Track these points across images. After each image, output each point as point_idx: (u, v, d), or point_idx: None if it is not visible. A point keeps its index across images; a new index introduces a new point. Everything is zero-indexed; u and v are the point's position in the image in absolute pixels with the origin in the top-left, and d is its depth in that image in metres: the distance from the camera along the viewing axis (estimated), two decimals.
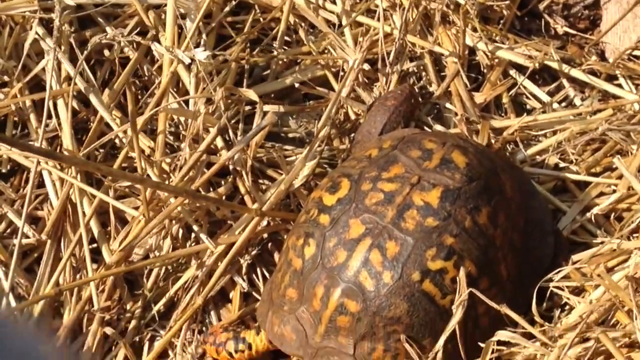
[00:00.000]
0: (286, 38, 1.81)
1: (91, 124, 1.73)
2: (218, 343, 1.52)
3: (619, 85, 1.77)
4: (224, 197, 1.68)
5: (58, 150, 1.72)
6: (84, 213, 1.64)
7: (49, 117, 1.68)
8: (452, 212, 1.40)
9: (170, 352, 1.60)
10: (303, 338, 1.43)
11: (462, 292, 1.35)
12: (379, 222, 1.39)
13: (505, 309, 1.32)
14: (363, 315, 1.38)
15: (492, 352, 1.33)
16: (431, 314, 1.38)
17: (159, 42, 1.72)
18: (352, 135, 1.75)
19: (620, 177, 1.65)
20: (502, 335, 1.29)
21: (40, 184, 1.70)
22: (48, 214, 1.69)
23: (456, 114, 1.74)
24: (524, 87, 1.78)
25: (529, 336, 1.36)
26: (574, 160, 1.68)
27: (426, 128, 1.74)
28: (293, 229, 1.50)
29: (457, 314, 1.35)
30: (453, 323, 1.35)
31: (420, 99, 1.73)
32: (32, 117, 1.73)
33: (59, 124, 1.71)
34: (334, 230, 1.41)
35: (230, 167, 1.66)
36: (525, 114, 1.75)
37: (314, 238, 1.43)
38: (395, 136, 1.57)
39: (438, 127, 1.73)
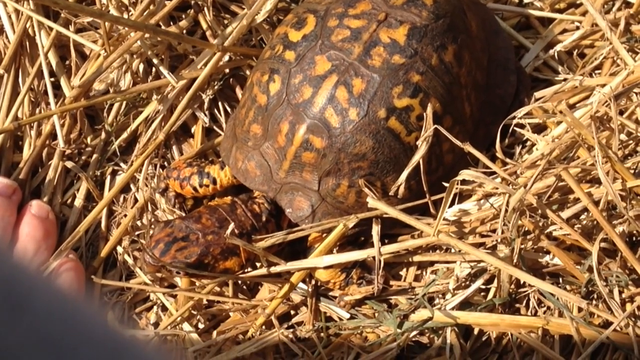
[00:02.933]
0: None
1: None
2: (182, 177, 1.52)
3: None
4: (185, 32, 1.65)
5: None
6: (42, 46, 1.60)
7: None
8: (418, 49, 1.39)
9: (132, 186, 1.60)
10: (267, 173, 1.44)
11: (427, 129, 1.35)
12: (345, 58, 1.38)
13: (468, 147, 1.33)
14: (328, 151, 1.38)
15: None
16: (396, 150, 1.39)
17: None
18: None
19: (584, 13, 1.65)
20: (466, 174, 1.31)
21: None
22: (4, 47, 1.66)
23: None
24: None
25: (491, 173, 1.38)
26: None
27: None
28: (257, 65, 1.49)
29: (422, 149, 1.36)
30: (417, 158, 1.36)
31: None
32: None
33: None
34: (299, 66, 1.40)
35: (192, 1, 1.63)
36: None
37: (279, 74, 1.42)
38: None
39: None
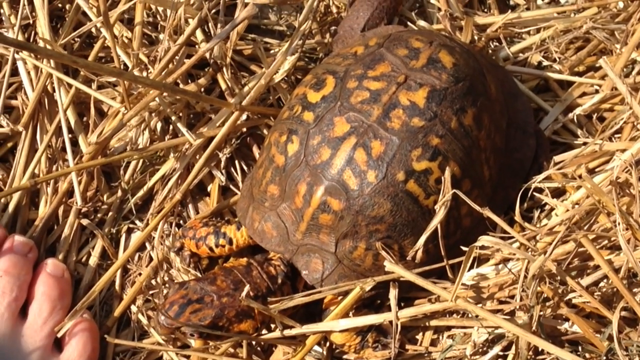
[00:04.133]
0: None
1: (67, 11, 1.68)
2: (198, 237, 1.51)
3: None
4: (203, 90, 1.65)
5: (33, 39, 1.68)
6: (61, 102, 1.61)
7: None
8: (438, 112, 1.38)
9: (147, 244, 1.59)
10: (284, 234, 1.43)
11: (446, 193, 1.34)
12: (364, 120, 1.37)
13: (487, 212, 1.32)
14: (346, 213, 1.37)
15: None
16: (414, 214, 1.38)
17: None
18: (334, 29, 1.73)
19: (603, 77, 1.64)
20: (485, 240, 1.30)
21: (13, 72, 1.67)
22: (22, 103, 1.66)
23: (440, 10, 1.72)
24: None
25: (509, 237, 1.37)
26: (557, 59, 1.67)
27: (410, 24, 1.71)
28: (275, 125, 1.48)
29: (440, 213, 1.34)
30: (435, 222, 1.35)
31: None
32: (5, 4, 1.68)
33: (33, 12, 1.67)
34: (318, 127, 1.40)
35: (210, 60, 1.63)
36: (509, 11, 1.73)
37: (297, 135, 1.41)
38: (381, 33, 1.54)
39: (421, 23, 1.71)
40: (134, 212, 1.62)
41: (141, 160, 1.63)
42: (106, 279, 1.54)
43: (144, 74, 1.63)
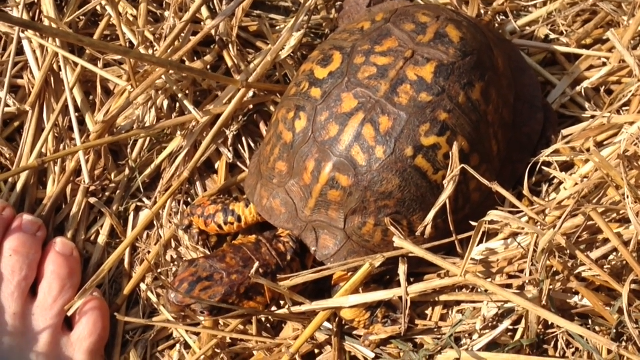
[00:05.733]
0: None
1: None
2: (207, 215, 1.51)
3: None
4: (209, 67, 1.65)
5: (38, 18, 1.68)
6: (68, 81, 1.60)
7: None
8: (445, 87, 1.38)
9: (156, 222, 1.59)
10: (293, 211, 1.43)
11: (454, 168, 1.34)
12: (372, 96, 1.37)
13: (496, 186, 1.31)
14: (354, 189, 1.37)
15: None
16: (423, 189, 1.38)
17: None
18: (339, 4, 1.72)
19: (611, 49, 1.64)
20: (494, 215, 1.29)
21: (19, 51, 1.66)
22: (29, 83, 1.66)
23: None
24: None
25: (518, 211, 1.36)
26: (565, 32, 1.66)
27: None
28: (282, 102, 1.48)
29: (449, 188, 1.34)
30: (444, 197, 1.35)
31: None
32: None
33: None
34: (325, 104, 1.39)
35: (216, 37, 1.63)
36: None
37: (305, 111, 1.41)
38: (387, 9, 1.53)
39: None
40: (142, 190, 1.62)
41: (148, 139, 1.63)
42: (115, 258, 1.54)
43: (150, 51, 1.62)
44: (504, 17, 1.71)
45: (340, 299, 1.40)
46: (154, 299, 1.55)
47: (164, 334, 1.55)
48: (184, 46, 1.59)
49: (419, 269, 1.46)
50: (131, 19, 1.65)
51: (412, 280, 1.45)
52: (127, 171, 1.62)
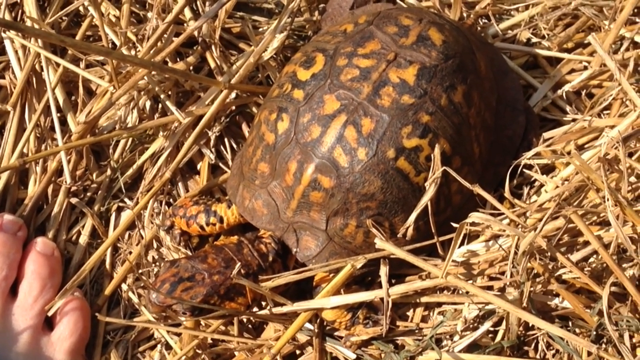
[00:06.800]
0: None
1: None
2: (189, 216, 1.51)
3: None
4: (192, 68, 1.65)
5: (20, 18, 1.67)
6: (50, 82, 1.60)
7: None
8: (428, 89, 1.38)
9: (137, 223, 1.59)
10: (275, 212, 1.43)
11: (436, 170, 1.35)
12: (355, 98, 1.37)
13: (477, 189, 1.32)
14: (336, 191, 1.38)
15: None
16: (404, 191, 1.39)
17: None
18: (322, 7, 1.72)
19: (592, 53, 1.65)
20: (475, 217, 1.30)
21: (1, 51, 1.66)
22: (10, 82, 1.65)
23: None
24: None
25: (500, 213, 1.37)
26: (546, 36, 1.67)
27: (399, 1, 1.71)
28: (265, 103, 1.48)
29: (430, 190, 1.35)
30: (425, 200, 1.35)
31: None
32: None
33: None
34: (308, 105, 1.40)
35: (199, 38, 1.63)
36: None
37: (287, 113, 1.41)
38: (370, 11, 1.54)
39: (410, 1, 1.70)
40: (124, 190, 1.62)
41: (130, 139, 1.63)
42: (96, 258, 1.54)
43: (132, 52, 1.62)
44: (486, 21, 1.72)
45: (321, 300, 1.40)
46: (135, 299, 1.55)
47: (145, 334, 1.55)
48: (166, 47, 1.58)
49: (400, 271, 1.46)
50: (114, 19, 1.65)
51: (393, 281, 1.46)
52: (108, 171, 1.62)
